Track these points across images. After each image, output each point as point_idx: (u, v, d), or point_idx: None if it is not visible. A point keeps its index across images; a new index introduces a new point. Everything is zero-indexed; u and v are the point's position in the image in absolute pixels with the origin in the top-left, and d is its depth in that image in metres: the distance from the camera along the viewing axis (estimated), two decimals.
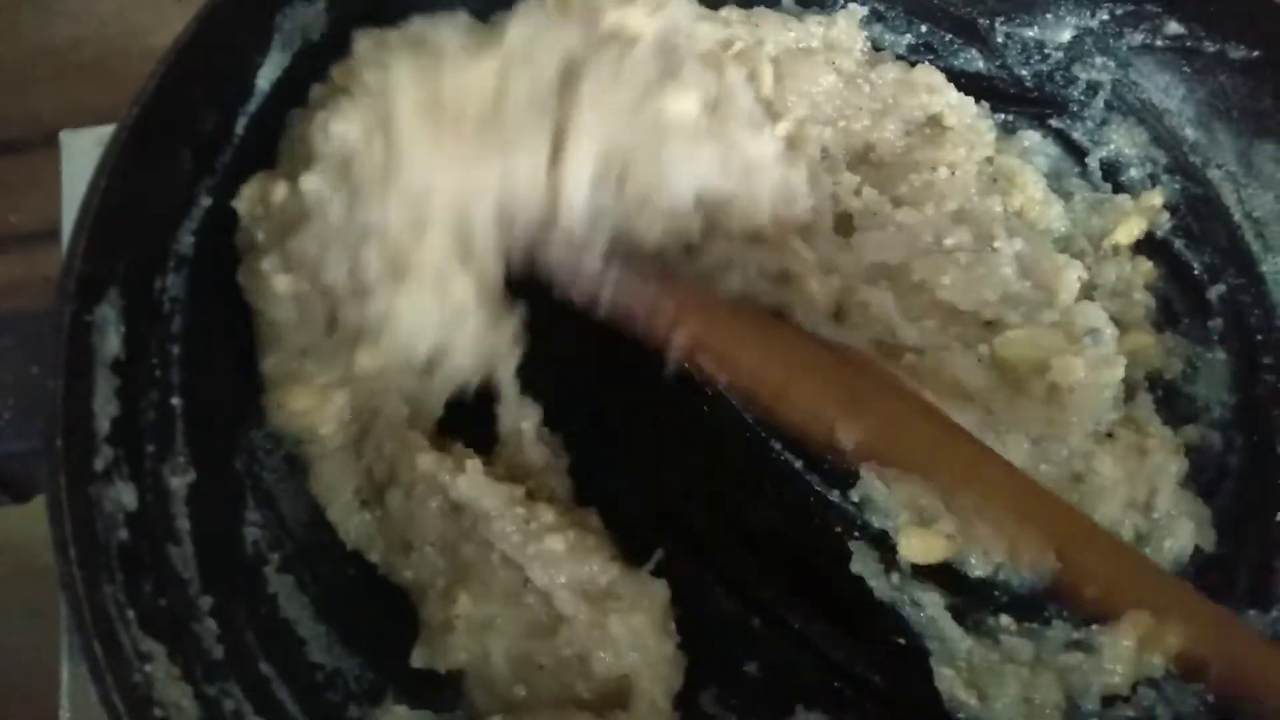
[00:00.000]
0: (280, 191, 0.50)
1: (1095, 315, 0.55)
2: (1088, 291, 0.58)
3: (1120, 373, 0.54)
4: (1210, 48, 0.61)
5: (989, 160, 0.61)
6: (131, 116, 0.45)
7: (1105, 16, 0.64)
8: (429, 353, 0.48)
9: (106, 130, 0.71)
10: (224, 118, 0.51)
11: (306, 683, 0.46)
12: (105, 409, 0.42)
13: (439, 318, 0.47)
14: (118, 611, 0.38)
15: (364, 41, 0.53)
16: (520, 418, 0.51)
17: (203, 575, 0.44)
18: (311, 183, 0.48)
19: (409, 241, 0.46)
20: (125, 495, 0.42)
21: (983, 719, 0.49)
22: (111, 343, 0.43)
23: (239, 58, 0.52)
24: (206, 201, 0.50)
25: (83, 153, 0.71)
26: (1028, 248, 0.57)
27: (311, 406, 0.49)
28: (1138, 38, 0.63)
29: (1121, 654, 0.50)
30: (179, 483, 0.45)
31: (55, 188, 0.93)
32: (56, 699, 0.58)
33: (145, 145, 0.45)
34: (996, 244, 0.56)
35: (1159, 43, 0.63)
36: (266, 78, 0.53)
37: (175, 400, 0.47)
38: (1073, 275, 0.56)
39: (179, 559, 0.44)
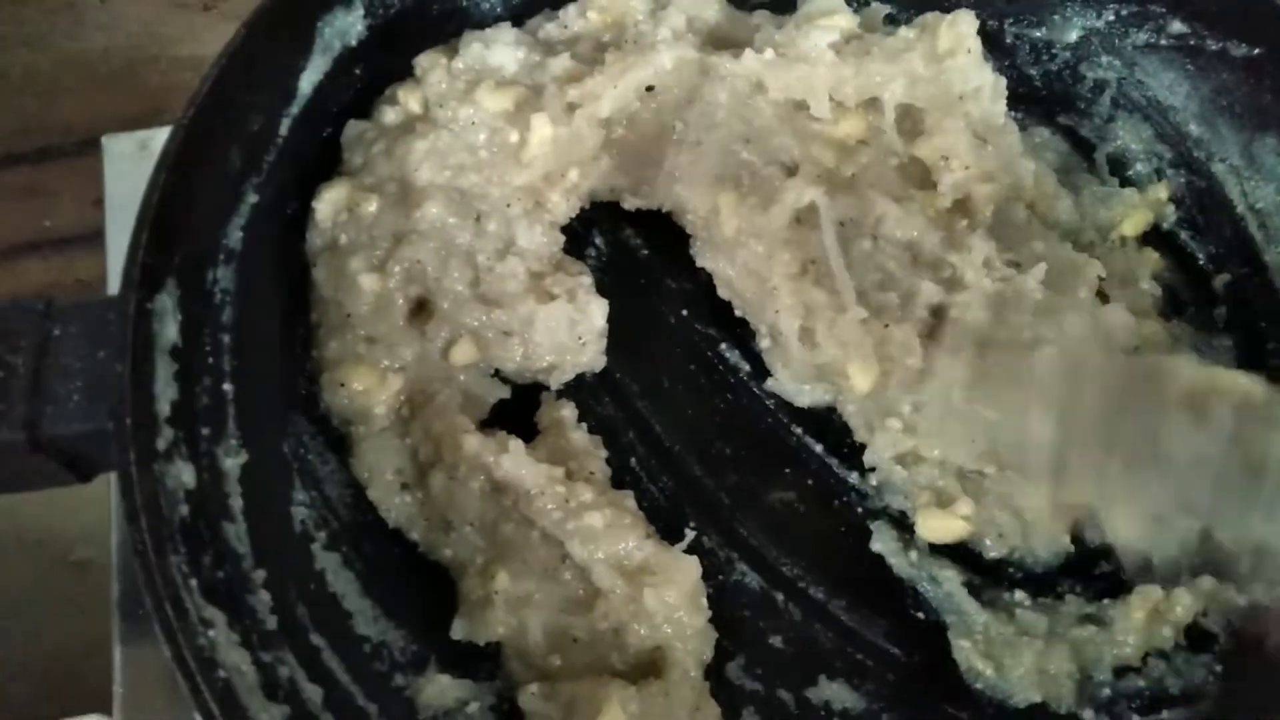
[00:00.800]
0: (373, 205, 0.54)
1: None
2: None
3: None
4: (1212, 46, 0.63)
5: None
6: (187, 117, 0.47)
7: (1111, 17, 0.66)
8: (553, 359, 0.54)
9: (147, 134, 0.74)
10: (269, 119, 0.54)
11: (354, 653, 0.48)
12: (165, 392, 0.45)
13: (570, 330, 0.54)
14: (182, 580, 0.41)
15: (434, 70, 0.57)
16: (561, 406, 0.54)
17: (255, 551, 0.47)
18: (432, 211, 0.54)
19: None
20: (185, 474, 0.44)
21: (998, 689, 0.51)
22: (170, 330, 0.46)
23: (283, 62, 0.54)
24: (253, 198, 0.53)
25: (123, 156, 0.73)
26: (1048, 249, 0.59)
27: (370, 387, 0.52)
28: (1142, 37, 0.66)
29: (1133, 626, 0.52)
30: (232, 463, 0.48)
31: (87, 193, 0.96)
32: (109, 680, 0.60)
33: (199, 144, 0.48)
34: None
35: (1163, 42, 0.65)
36: (309, 81, 0.56)
37: (227, 386, 0.49)
38: (1092, 275, 0.58)
39: (233, 535, 0.46)
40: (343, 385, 0.52)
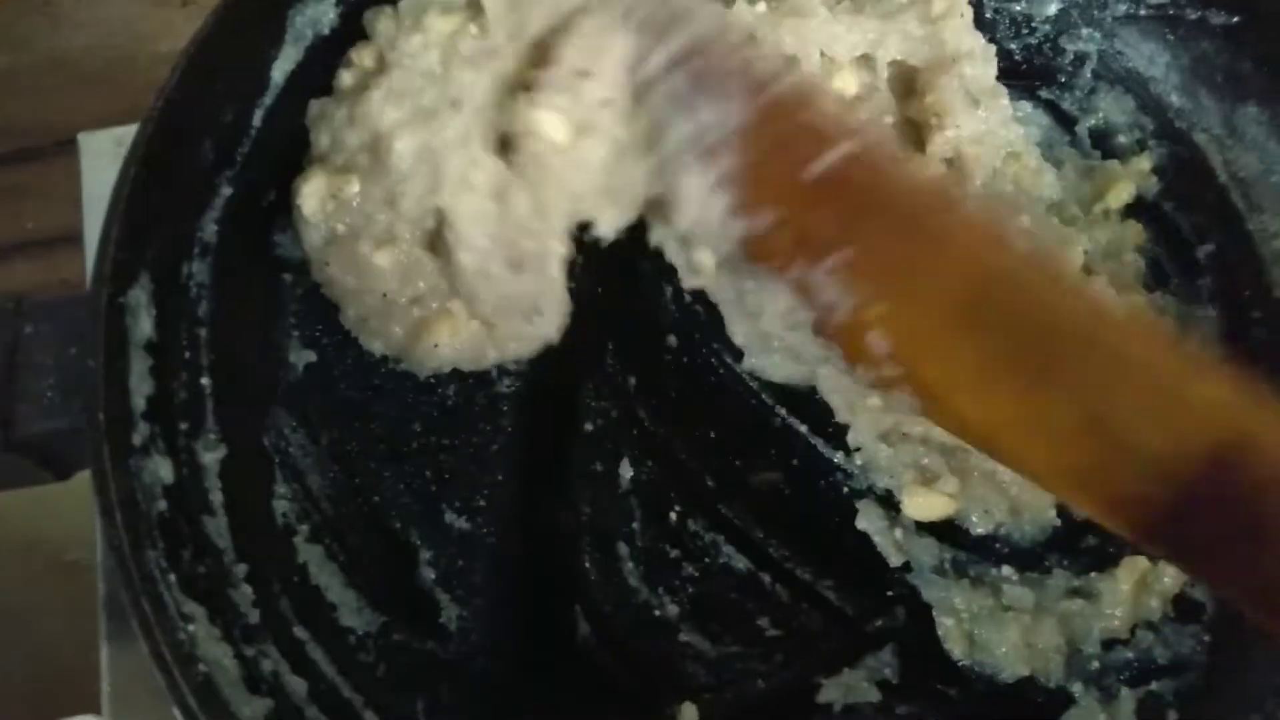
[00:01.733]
0: (354, 185, 0.52)
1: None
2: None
3: None
4: (1192, 15, 0.63)
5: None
6: (156, 109, 0.47)
7: None
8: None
9: (123, 130, 0.74)
10: (242, 109, 0.53)
11: (339, 645, 0.48)
12: (140, 387, 0.44)
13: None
14: (160, 575, 0.40)
15: (380, 19, 0.55)
16: None
17: (236, 545, 0.46)
18: (403, 145, 0.51)
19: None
20: (162, 469, 0.44)
21: (985, 665, 0.51)
22: (144, 325, 0.45)
23: (255, 52, 0.54)
24: (227, 191, 0.53)
25: (100, 153, 0.73)
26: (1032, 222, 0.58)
27: (452, 324, 0.52)
28: (1121, 8, 0.65)
29: (1120, 598, 0.52)
30: (211, 458, 0.47)
31: (70, 193, 0.96)
32: (98, 681, 0.60)
33: (170, 136, 0.48)
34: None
35: (1142, 12, 0.65)
36: (281, 70, 0.55)
37: (204, 380, 0.49)
38: (1077, 250, 0.57)
39: (214, 529, 0.46)
40: (436, 346, 0.52)
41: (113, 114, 0.94)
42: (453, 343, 0.53)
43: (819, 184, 0.42)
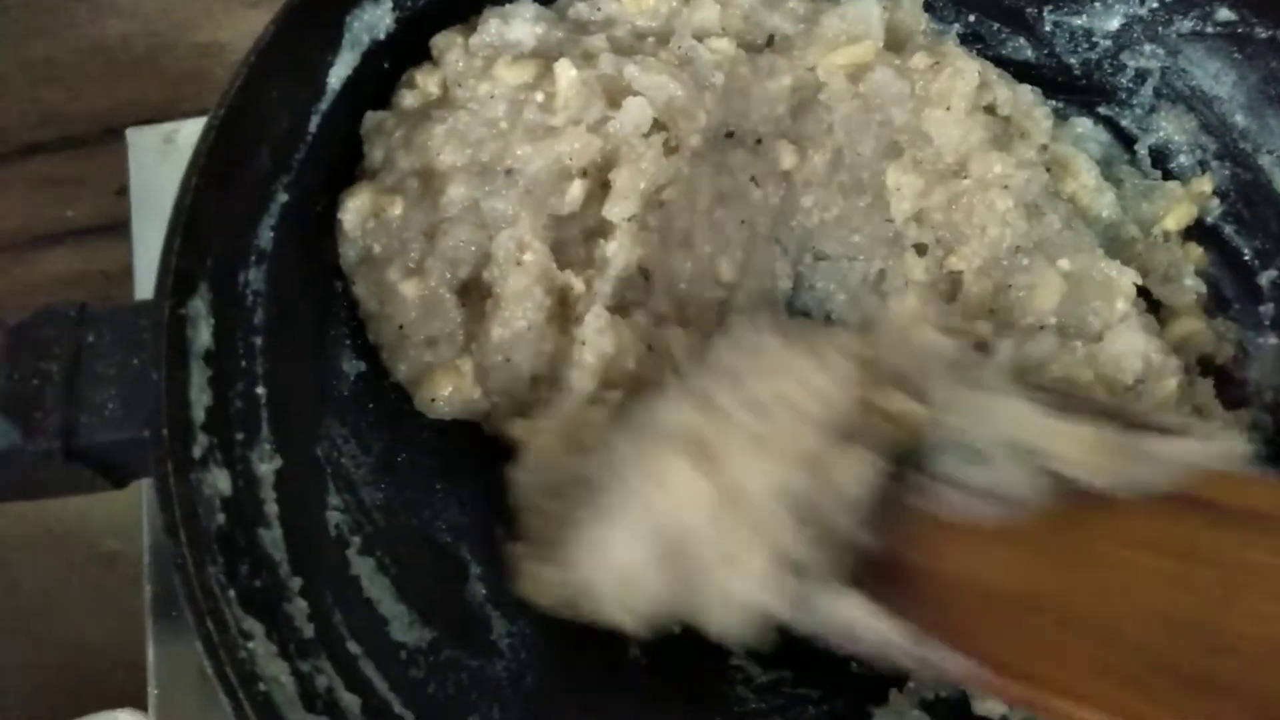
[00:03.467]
0: (398, 208, 0.53)
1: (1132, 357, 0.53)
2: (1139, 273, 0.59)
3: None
4: (1262, 33, 0.61)
5: (1044, 148, 0.62)
6: (218, 117, 0.46)
7: (1154, 4, 0.64)
8: None
9: (171, 127, 0.74)
10: (298, 116, 0.53)
11: (390, 660, 0.48)
12: (200, 399, 0.44)
13: None
14: (220, 591, 0.40)
15: (450, 50, 0.55)
16: None
17: (291, 558, 0.46)
18: (458, 193, 0.53)
19: None
20: (221, 481, 0.44)
21: None
22: (203, 335, 0.45)
23: (312, 58, 0.53)
24: (283, 198, 0.52)
25: (148, 150, 0.73)
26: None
27: (458, 385, 0.52)
28: (1187, 24, 0.64)
29: None
30: (266, 469, 0.47)
31: (110, 183, 0.96)
32: (143, 679, 0.60)
33: (230, 145, 0.47)
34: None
35: (1209, 29, 0.63)
36: (337, 76, 0.55)
37: (260, 390, 0.49)
38: (1127, 284, 0.56)
39: (269, 542, 0.46)
40: (434, 401, 0.52)
41: (152, 103, 0.94)
42: (451, 400, 0.52)
43: None
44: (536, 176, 0.53)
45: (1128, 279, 0.56)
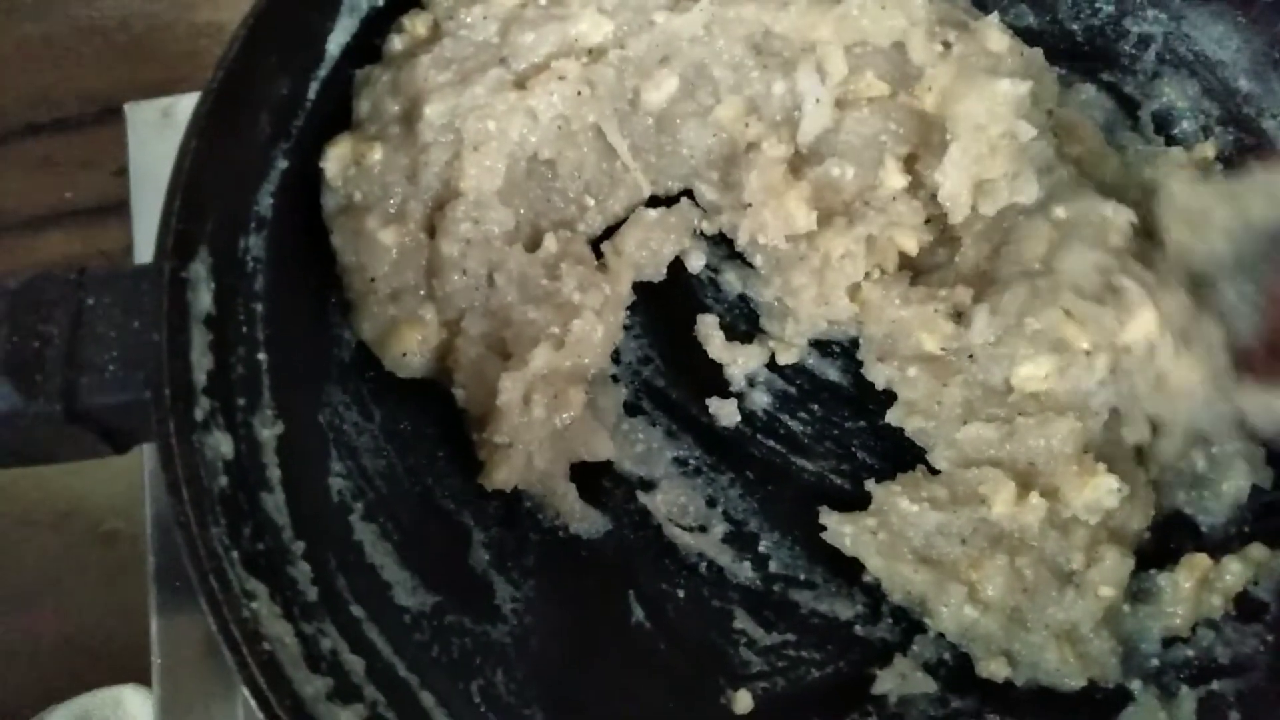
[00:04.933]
0: (377, 153, 0.52)
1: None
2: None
3: None
4: None
5: (1050, 113, 0.62)
6: (216, 81, 0.46)
7: None
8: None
9: (170, 101, 0.73)
10: (297, 83, 0.53)
11: (394, 624, 0.48)
12: (201, 362, 0.44)
13: None
14: (224, 552, 0.40)
15: None
16: None
17: (294, 522, 0.46)
18: (434, 109, 0.51)
19: None
20: (223, 445, 0.43)
21: (1039, 679, 0.50)
22: (204, 299, 0.45)
23: (311, 24, 0.53)
24: (283, 164, 0.52)
25: (147, 124, 0.72)
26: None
27: (424, 333, 0.51)
28: None
29: (1181, 595, 0.51)
30: (268, 434, 0.47)
31: (109, 163, 0.96)
32: (146, 656, 0.60)
33: (228, 109, 0.47)
34: None
35: None
36: (336, 43, 0.55)
37: (261, 355, 0.48)
38: (1123, 221, 0.55)
39: (272, 506, 0.46)
40: (404, 356, 0.52)
41: (150, 83, 0.93)
42: (422, 352, 0.52)
43: None
44: (537, 62, 0.53)
45: (1124, 217, 0.55)
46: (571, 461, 0.53)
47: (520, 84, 0.53)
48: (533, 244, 0.55)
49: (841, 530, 0.51)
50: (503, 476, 0.50)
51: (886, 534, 0.51)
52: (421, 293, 0.52)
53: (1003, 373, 0.52)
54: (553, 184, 0.56)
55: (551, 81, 0.53)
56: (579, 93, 0.54)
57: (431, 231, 0.53)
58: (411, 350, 0.52)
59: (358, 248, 0.52)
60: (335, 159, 0.53)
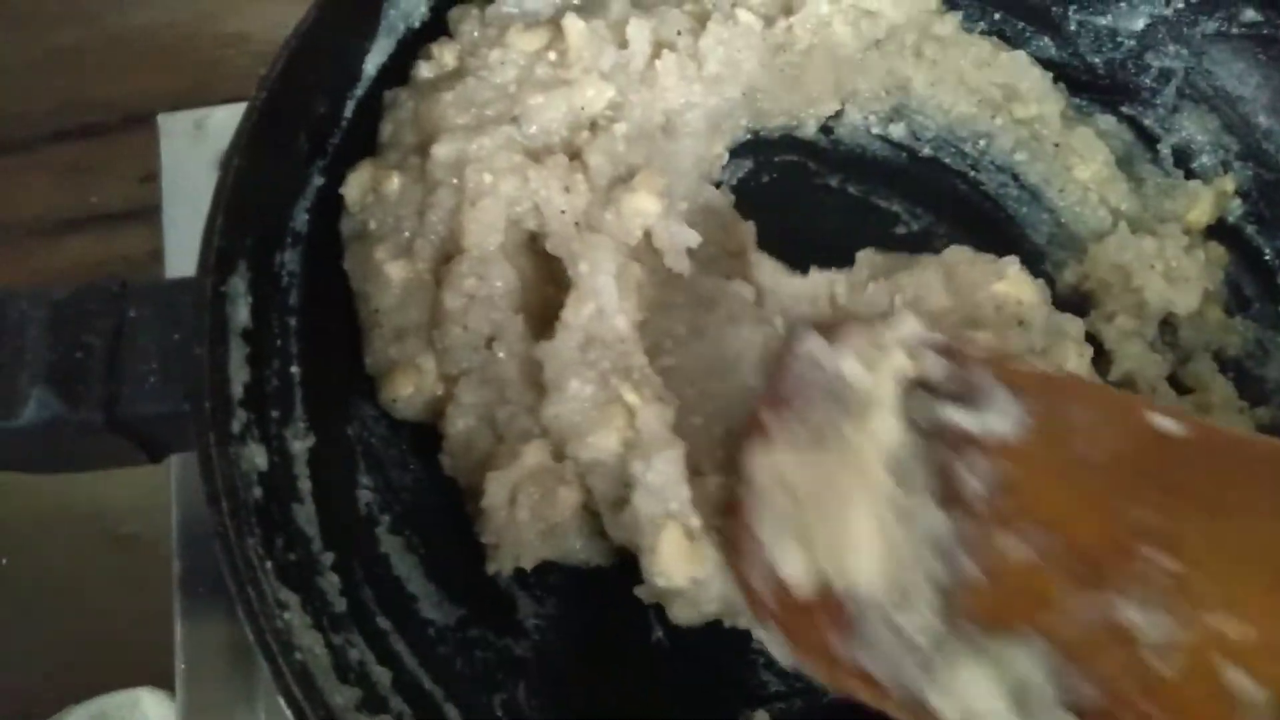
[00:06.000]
0: (394, 183, 0.52)
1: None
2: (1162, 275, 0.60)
3: None
4: None
5: (1056, 145, 0.63)
6: (260, 99, 0.47)
7: (1180, 4, 0.64)
8: None
9: (203, 113, 0.75)
10: (335, 101, 0.54)
11: (419, 637, 0.48)
12: (238, 375, 0.45)
13: None
14: (258, 562, 0.41)
15: (465, 21, 0.56)
16: None
17: (324, 533, 0.47)
18: (444, 150, 0.51)
19: None
20: (258, 456, 0.44)
21: None
22: (242, 313, 0.46)
23: (350, 44, 0.54)
24: (319, 181, 0.53)
25: (179, 134, 0.73)
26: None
27: (419, 385, 0.51)
28: (1212, 25, 0.64)
29: None
30: (300, 446, 0.48)
31: (134, 170, 0.97)
32: (164, 659, 0.61)
33: (270, 127, 0.48)
34: None
35: (1234, 30, 0.64)
36: (373, 63, 0.56)
37: (294, 369, 0.49)
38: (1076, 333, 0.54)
39: (303, 518, 0.46)
40: (394, 401, 0.51)
41: (176, 92, 0.95)
42: (412, 402, 0.52)
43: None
44: (546, 126, 0.53)
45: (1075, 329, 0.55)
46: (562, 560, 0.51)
47: (529, 151, 0.53)
48: (536, 315, 0.53)
49: None
50: (497, 567, 0.49)
51: None
52: (423, 340, 0.52)
53: None
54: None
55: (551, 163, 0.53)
56: (566, 189, 0.53)
57: (439, 279, 0.52)
58: (403, 396, 0.51)
59: (365, 276, 0.53)
60: (355, 184, 0.53)
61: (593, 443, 0.49)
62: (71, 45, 1.03)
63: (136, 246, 0.95)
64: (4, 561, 0.87)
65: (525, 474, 0.49)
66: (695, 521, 0.47)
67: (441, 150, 0.52)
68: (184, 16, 1.05)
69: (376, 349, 0.52)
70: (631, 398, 0.49)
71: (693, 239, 0.53)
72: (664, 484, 0.47)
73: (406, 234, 0.53)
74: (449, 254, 0.52)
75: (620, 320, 0.50)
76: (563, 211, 0.51)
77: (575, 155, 0.53)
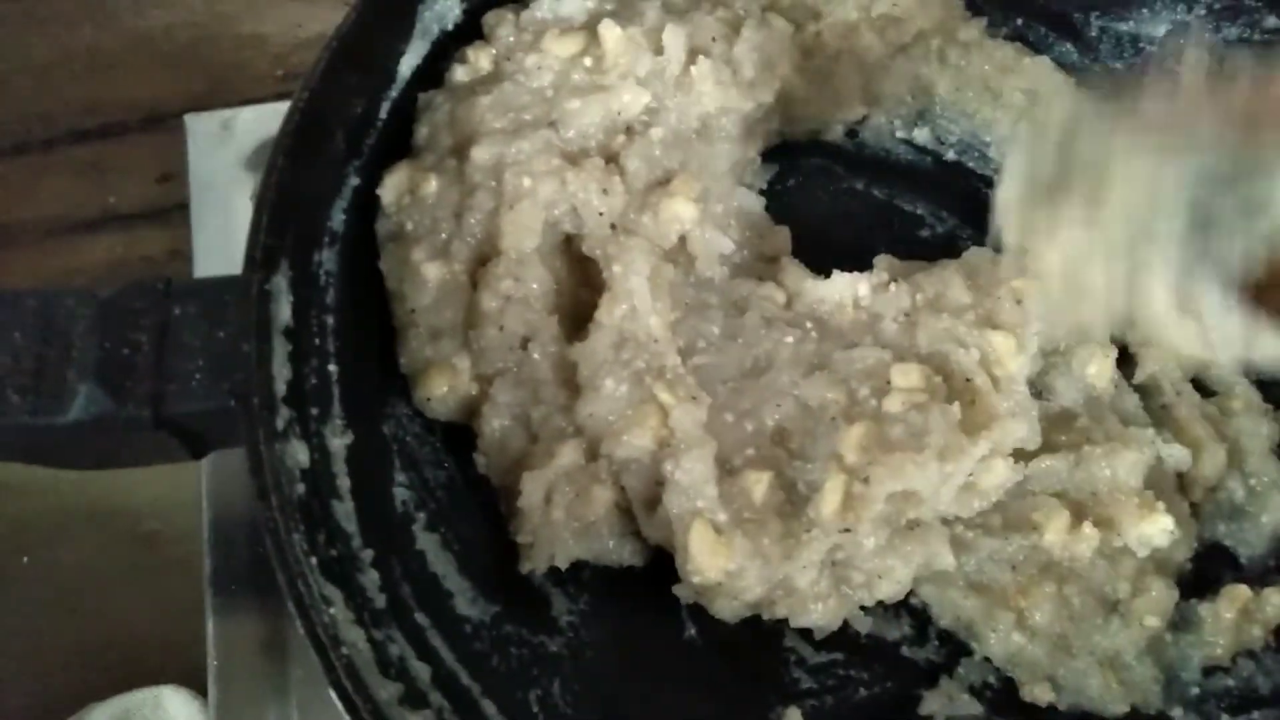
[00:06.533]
0: (432, 185, 0.53)
1: None
2: None
3: None
4: None
5: None
6: (302, 99, 0.48)
7: (1202, 11, 0.65)
8: None
9: (230, 114, 0.75)
10: (371, 102, 0.55)
11: (456, 633, 0.49)
12: (281, 372, 0.45)
13: None
14: (304, 557, 0.41)
15: (501, 25, 0.56)
16: None
17: (363, 530, 0.47)
18: (483, 155, 0.52)
19: None
20: (300, 453, 0.45)
21: (1081, 705, 0.51)
22: (284, 311, 0.46)
23: (387, 46, 0.55)
24: (355, 181, 0.54)
25: (206, 135, 0.74)
26: None
27: (454, 384, 0.51)
28: (1234, 32, 0.65)
29: (1223, 626, 0.52)
30: (339, 444, 0.48)
31: (152, 170, 0.97)
32: (187, 657, 0.61)
33: (311, 128, 0.48)
34: None
35: (1256, 36, 0.64)
36: (408, 65, 0.56)
37: (332, 367, 0.50)
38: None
39: (343, 514, 0.47)
40: (429, 400, 0.52)
41: (194, 94, 0.95)
42: (446, 401, 0.52)
43: None
44: (583, 131, 0.53)
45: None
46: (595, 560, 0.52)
47: (566, 155, 0.54)
48: (570, 317, 0.54)
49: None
50: (532, 565, 0.50)
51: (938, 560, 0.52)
52: (458, 340, 0.52)
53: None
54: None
55: (588, 166, 0.53)
56: (604, 191, 0.53)
57: (474, 280, 0.53)
58: (438, 396, 0.51)
59: (402, 276, 0.53)
60: (391, 187, 0.54)
61: (627, 441, 0.49)
62: (89, 46, 1.03)
63: (156, 247, 0.95)
64: (25, 560, 0.87)
65: (560, 473, 0.50)
66: (723, 516, 0.47)
67: (480, 153, 0.52)
68: (202, 18, 1.06)
69: (412, 349, 0.52)
70: (665, 397, 0.50)
71: (726, 246, 0.54)
72: (692, 482, 0.48)
73: (443, 235, 0.53)
74: (485, 256, 0.53)
75: (654, 320, 0.51)
76: (600, 214, 0.51)
77: (612, 159, 0.54)
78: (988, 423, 0.50)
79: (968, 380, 0.51)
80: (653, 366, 0.50)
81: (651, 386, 0.50)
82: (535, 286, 0.52)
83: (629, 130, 0.54)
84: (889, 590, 0.50)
